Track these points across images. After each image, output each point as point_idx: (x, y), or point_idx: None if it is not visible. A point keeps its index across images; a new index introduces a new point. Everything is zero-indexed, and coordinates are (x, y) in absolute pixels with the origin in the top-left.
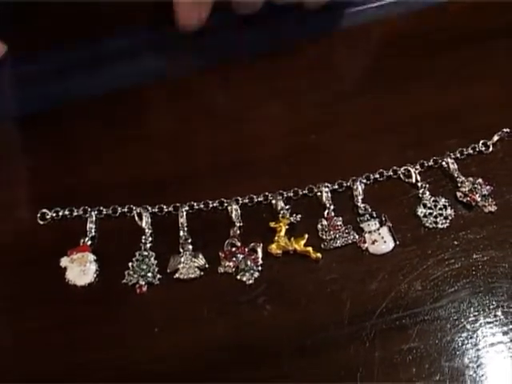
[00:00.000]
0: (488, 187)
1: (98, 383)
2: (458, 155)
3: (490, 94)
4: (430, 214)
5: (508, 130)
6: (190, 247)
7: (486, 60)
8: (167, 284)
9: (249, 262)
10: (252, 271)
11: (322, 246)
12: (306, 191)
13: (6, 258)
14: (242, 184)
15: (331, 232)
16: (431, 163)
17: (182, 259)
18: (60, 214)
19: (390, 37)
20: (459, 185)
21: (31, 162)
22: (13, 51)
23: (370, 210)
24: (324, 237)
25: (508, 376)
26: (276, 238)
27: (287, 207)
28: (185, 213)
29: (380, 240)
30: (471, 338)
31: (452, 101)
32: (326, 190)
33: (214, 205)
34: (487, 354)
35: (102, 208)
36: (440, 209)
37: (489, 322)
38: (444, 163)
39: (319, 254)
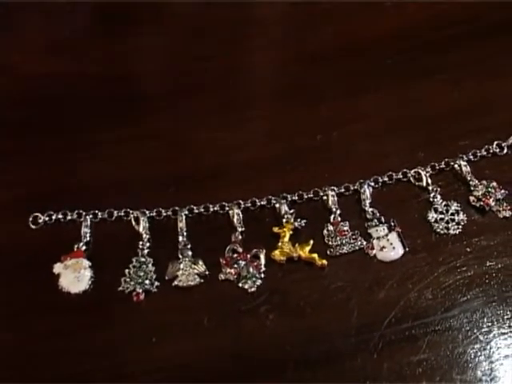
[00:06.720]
0: (502, 191)
1: None
2: (471, 157)
3: (505, 92)
4: (442, 219)
5: None
6: (190, 253)
7: (501, 56)
8: (165, 292)
9: (251, 269)
10: (254, 279)
11: (328, 252)
12: (311, 195)
13: None
14: (243, 187)
15: (337, 238)
16: (443, 165)
17: (181, 266)
18: (53, 217)
19: (402, 31)
20: (472, 188)
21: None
22: None
23: (378, 214)
24: (330, 243)
25: None
26: (280, 243)
27: (291, 211)
28: (184, 217)
29: (389, 246)
30: (484, 349)
31: (465, 99)
32: (333, 193)
33: (215, 209)
34: (501, 367)
35: (97, 211)
36: (452, 214)
37: (503, 333)
38: (456, 165)
39: (325, 261)
